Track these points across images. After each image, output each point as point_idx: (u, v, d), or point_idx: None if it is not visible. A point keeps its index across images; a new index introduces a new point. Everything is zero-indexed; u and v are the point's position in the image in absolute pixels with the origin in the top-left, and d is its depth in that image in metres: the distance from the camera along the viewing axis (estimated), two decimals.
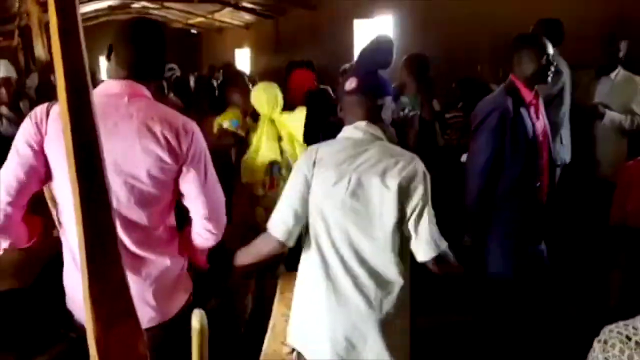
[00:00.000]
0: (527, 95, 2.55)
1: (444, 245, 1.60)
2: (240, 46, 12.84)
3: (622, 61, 3.66)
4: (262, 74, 10.75)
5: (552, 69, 2.49)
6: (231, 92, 3.55)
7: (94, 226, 0.92)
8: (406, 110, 3.30)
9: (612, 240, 2.86)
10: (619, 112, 3.57)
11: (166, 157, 1.58)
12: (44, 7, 4.59)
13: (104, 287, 0.90)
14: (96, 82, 1.63)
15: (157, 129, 1.57)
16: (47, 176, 1.59)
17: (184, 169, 1.63)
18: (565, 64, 3.52)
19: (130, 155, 1.56)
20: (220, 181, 1.78)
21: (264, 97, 2.97)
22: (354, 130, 1.68)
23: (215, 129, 3.19)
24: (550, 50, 2.48)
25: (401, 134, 3.33)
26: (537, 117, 2.59)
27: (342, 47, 8.17)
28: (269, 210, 3.20)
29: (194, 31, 14.75)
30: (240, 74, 4.03)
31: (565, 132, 3.61)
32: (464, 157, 3.61)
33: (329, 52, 8.51)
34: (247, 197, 3.07)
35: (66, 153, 0.93)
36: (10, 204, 1.55)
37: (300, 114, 3.01)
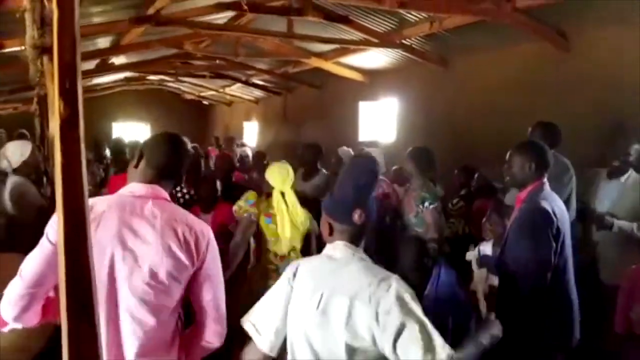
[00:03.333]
0: None
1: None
2: (248, 119, 13.22)
3: (633, 165, 3.64)
4: (269, 147, 11.06)
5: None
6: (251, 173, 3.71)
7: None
8: (426, 204, 3.33)
9: (619, 347, 2.79)
10: (629, 216, 3.46)
11: (184, 259, 1.66)
12: None
13: None
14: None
15: (179, 230, 1.67)
16: None
17: (199, 272, 1.71)
18: (570, 164, 3.52)
19: (152, 254, 1.63)
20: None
21: (277, 171, 3.22)
22: (334, 250, 1.70)
23: (236, 212, 3.29)
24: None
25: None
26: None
27: (348, 126, 8.40)
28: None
29: (205, 102, 15.24)
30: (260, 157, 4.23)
31: None
32: (469, 255, 3.59)
33: (334, 130, 8.74)
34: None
35: (59, 288, 0.96)
36: (30, 294, 1.59)
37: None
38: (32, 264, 1.60)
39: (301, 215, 3.16)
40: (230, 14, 5.30)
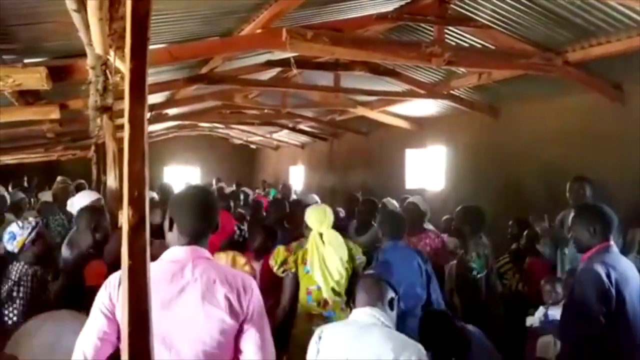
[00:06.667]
0: None
1: None
2: (294, 163, 13.40)
3: None
4: (314, 191, 11.12)
5: None
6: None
7: None
8: (474, 273, 3.30)
9: None
10: None
11: (228, 319, 1.67)
12: (119, 142, 5.00)
13: None
14: None
15: (220, 292, 1.67)
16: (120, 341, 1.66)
17: (244, 326, 1.71)
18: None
19: (195, 320, 1.65)
20: None
21: (314, 214, 3.25)
22: (362, 315, 1.79)
23: (275, 271, 3.28)
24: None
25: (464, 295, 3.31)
26: None
27: (395, 173, 8.36)
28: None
29: (252, 147, 15.60)
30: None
31: None
32: (531, 320, 3.43)
33: (381, 176, 8.72)
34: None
35: None
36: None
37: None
38: (86, 339, 1.64)
39: (339, 253, 3.08)
40: (278, 67, 5.46)
